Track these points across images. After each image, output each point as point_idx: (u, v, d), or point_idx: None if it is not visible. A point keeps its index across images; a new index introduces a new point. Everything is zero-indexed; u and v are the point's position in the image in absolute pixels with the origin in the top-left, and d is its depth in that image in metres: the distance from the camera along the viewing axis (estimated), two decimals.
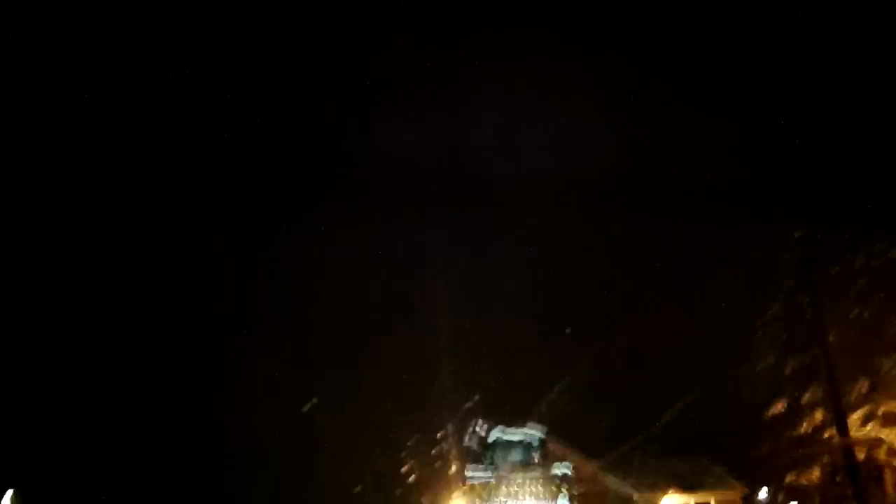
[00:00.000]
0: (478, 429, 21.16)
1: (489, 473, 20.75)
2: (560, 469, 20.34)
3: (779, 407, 23.00)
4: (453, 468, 21.38)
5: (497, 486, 20.56)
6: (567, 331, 23.03)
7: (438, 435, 21.64)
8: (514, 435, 20.83)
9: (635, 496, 21.91)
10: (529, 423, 20.85)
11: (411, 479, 21.42)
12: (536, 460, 20.71)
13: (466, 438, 21.40)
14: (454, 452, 21.45)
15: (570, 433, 22.00)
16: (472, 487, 20.68)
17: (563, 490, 20.17)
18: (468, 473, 20.84)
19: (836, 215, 22.60)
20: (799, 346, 22.95)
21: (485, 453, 21.07)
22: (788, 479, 22.29)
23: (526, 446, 20.82)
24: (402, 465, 21.52)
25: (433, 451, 21.50)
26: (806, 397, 22.45)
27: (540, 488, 20.33)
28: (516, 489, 20.45)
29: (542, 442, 20.75)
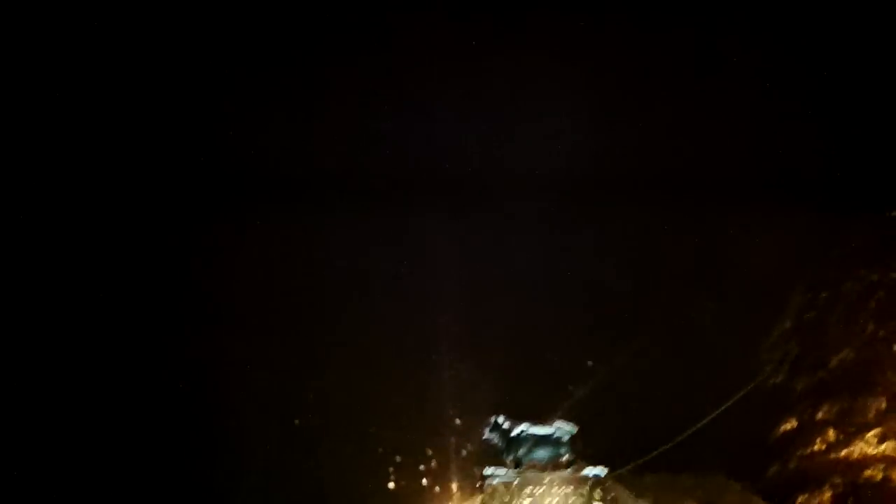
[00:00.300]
0: (500, 422, 18.78)
1: (512, 473, 18.35)
2: (593, 471, 18.25)
3: (790, 424, 22.16)
4: (469, 467, 18.89)
5: (520, 489, 18.13)
6: (588, 363, 21.46)
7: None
8: (543, 430, 18.60)
9: None
10: (558, 420, 18.73)
11: (419, 478, 18.75)
12: (566, 460, 18.52)
13: (486, 432, 18.96)
14: (470, 449, 18.99)
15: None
16: (492, 489, 18.17)
17: (597, 495, 18.05)
18: (487, 472, 18.33)
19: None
20: (812, 360, 22.30)
21: (507, 450, 18.68)
22: (799, 500, 21.28)
23: (555, 443, 18.57)
24: (409, 462, 18.86)
25: (445, 447, 18.98)
26: (819, 414, 21.71)
27: (570, 491, 18.10)
28: (542, 492, 18.12)
29: (573, 439, 18.63)
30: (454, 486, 19.10)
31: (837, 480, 21.07)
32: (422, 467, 19.57)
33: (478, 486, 18.42)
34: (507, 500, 17.94)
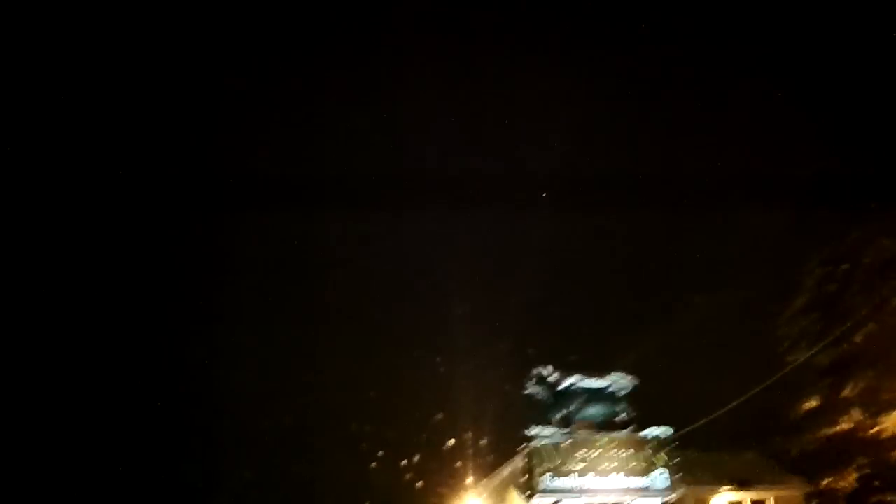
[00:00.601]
0: (546, 374, 15.67)
1: (561, 432, 15.26)
2: (656, 431, 15.45)
3: (812, 402, 20.51)
4: (508, 425, 15.70)
5: (571, 451, 15.09)
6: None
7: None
8: (596, 383, 15.64)
9: (684, 492, 17.61)
10: (614, 373, 15.82)
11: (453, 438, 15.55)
12: (624, 418, 15.63)
13: (530, 385, 15.76)
14: (511, 406, 15.84)
15: None
16: (537, 451, 15.00)
17: (660, 459, 15.26)
18: (531, 432, 15.15)
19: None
20: (834, 335, 20.80)
21: (555, 406, 15.56)
22: (824, 482, 19.51)
23: (610, 398, 15.66)
24: (443, 422, 15.83)
25: (481, 405, 15.81)
26: (843, 392, 20.17)
27: (629, 455, 15.20)
28: (597, 455, 15.13)
29: (631, 395, 15.78)
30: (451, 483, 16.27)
31: (863, 461, 19.40)
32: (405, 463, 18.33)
33: (520, 448, 15.18)
34: (555, 463, 14.91)
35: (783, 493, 18.08)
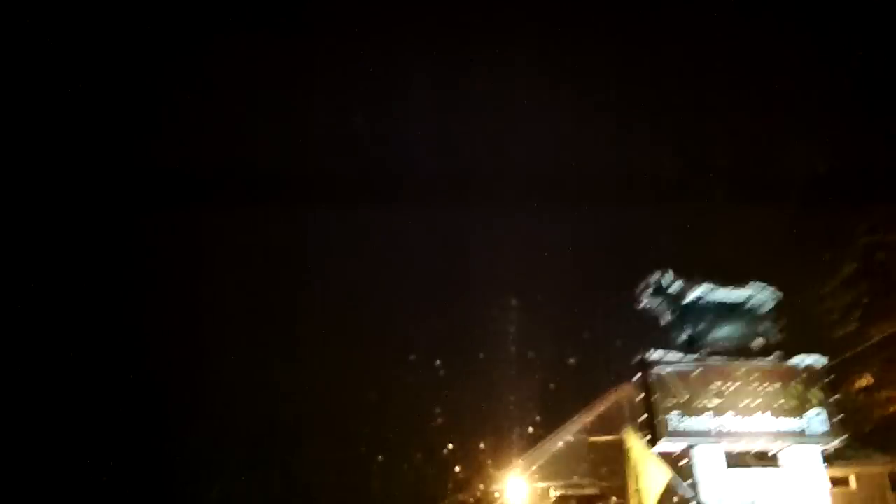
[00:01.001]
0: (665, 283, 11.84)
1: (688, 358, 11.48)
2: (807, 360, 11.79)
3: (865, 380, 17.20)
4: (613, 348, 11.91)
5: (703, 382, 11.36)
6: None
7: None
8: (731, 295, 11.89)
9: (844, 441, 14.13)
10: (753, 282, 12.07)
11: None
12: (767, 341, 11.91)
13: (646, 297, 11.91)
14: (622, 323, 12.09)
15: None
16: (660, 381, 11.22)
17: (814, 396, 11.60)
18: (651, 357, 11.36)
19: None
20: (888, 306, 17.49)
21: (679, 323, 11.76)
22: None
23: (749, 315, 11.94)
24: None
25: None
26: None
27: (777, 389, 11.52)
28: (736, 388, 11.41)
29: (776, 311, 12.06)
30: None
31: None
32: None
33: (636, 377, 11.38)
34: (684, 398, 11.10)
35: (866, 470, 14.57)
